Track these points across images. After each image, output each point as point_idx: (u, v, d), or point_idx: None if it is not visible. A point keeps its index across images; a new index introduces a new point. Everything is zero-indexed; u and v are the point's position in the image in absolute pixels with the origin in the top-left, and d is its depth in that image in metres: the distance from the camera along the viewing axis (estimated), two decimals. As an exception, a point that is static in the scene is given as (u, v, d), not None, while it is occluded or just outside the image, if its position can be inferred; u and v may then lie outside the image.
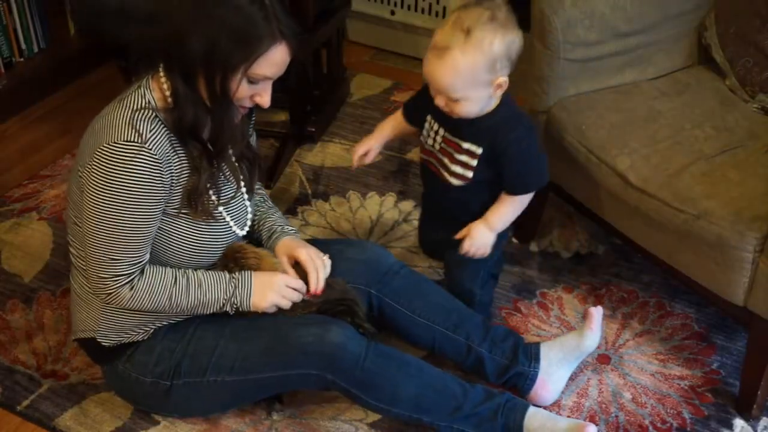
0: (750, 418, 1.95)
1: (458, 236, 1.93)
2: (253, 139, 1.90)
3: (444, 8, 3.21)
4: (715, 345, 2.14)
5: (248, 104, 1.68)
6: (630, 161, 1.98)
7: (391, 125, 2.07)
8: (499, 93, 1.81)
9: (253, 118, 1.89)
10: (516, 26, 1.76)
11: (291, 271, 1.83)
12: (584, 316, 2.00)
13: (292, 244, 1.87)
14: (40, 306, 2.24)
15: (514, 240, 2.46)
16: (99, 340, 1.81)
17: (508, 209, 1.91)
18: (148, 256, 1.70)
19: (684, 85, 2.24)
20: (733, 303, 1.87)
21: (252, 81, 1.62)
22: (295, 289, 1.78)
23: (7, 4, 2.96)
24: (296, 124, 2.86)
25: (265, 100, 1.66)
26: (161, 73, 1.65)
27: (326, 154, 2.85)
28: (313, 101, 2.92)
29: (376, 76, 3.27)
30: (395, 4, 3.32)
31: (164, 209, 1.68)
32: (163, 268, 1.72)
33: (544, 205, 2.45)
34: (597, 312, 1.97)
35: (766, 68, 2.16)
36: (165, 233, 1.71)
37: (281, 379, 1.79)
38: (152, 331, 1.81)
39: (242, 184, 1.84)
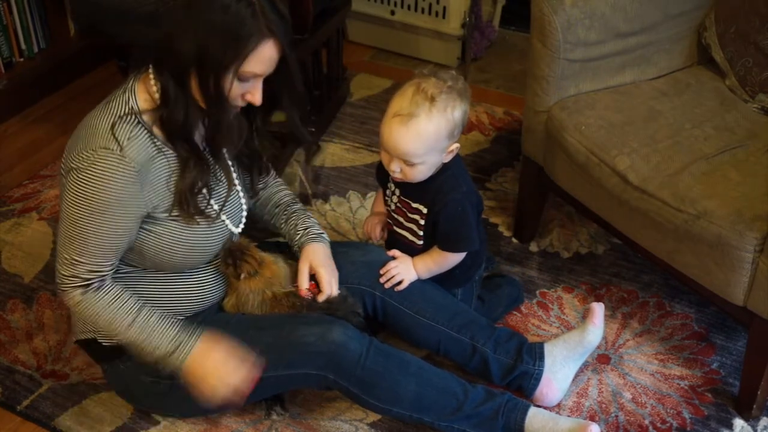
0: (750, 418, 1.95)
1: (390, 253, 1.99)
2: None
3: (444, 8, 3.21)
4: (715, 345, 2.14)
5: (240, 103, 1.68)
6: (630, 161, 1.98)
7: (380, 199, 2.10)
8: (449, 157, 1.87)
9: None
10: (469, 97, 1.83)
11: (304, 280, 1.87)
12: (586, 313, 2.00)
13: (320, 259, 1.89)
14: (40, 306, 2.24)
15: (514, 240, 2.47)
16: (100, 340, 1.82)
17: (434, 260, 1.96)
18: (110, 270, 1.70)
19: (684, 85, 2.24)
20: (733, 303, 1.87)
21: (242, 79, 1.62)
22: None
23: (7, 4, 2.97)
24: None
25: (256, 97, 1.67)
26: (150, 74, 1.66)
27: (326, 154, 2.85)
28: (313, 101, 2.92)
29: (376, 76, 3.27)
30: (395, 4, 3.32)
31: (153, 214, 1.68)
32: (124, 294, 1.71)
33: (544, 205, 2.45)
34: (599, 307, 1.98)
35: (766, 68, 2.16)
36: (158, 235, 1.71)
37: (282, 379, 1.79)
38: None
39: (235, 181, 1.83)
